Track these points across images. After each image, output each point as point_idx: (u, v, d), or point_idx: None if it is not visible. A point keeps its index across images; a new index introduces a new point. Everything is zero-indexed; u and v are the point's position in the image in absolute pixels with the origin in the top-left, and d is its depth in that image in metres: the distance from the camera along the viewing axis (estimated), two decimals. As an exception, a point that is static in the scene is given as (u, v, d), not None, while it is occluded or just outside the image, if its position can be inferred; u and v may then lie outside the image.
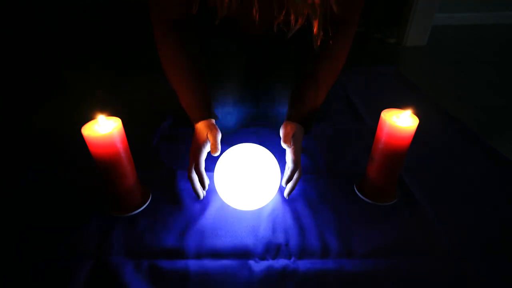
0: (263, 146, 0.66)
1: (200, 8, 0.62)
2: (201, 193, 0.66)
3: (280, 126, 0.68)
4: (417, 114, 0.59)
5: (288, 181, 0.64)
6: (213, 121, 0.68)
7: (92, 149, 0.55)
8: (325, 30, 0.60)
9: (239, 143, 0.67)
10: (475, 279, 0.51)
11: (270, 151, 0.66)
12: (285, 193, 0.66)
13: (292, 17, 0.58)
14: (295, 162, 0.63)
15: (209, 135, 0.63)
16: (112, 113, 0.60)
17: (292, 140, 0.64)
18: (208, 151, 0.64)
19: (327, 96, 0.74)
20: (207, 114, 0.67)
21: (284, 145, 0.64)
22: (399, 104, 0.62)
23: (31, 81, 1.25)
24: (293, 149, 0.63)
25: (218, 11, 0.61)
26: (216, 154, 0.62)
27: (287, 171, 0.64)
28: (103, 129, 0.55)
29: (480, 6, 2.18)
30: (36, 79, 1.24)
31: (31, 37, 1.50)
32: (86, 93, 1.27)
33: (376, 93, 1.14)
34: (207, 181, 0.65)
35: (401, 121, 0.58)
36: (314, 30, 0.59)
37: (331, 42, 0.64)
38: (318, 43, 0.60)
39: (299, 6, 0.56)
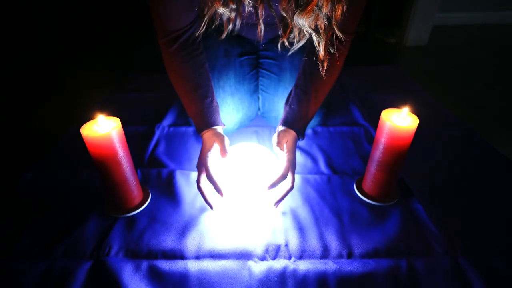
0: (263, 145, 0.66)
1: (206, 26, 0.62)
2: (213, 203, 0.62)
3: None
4: (417, 113, 0.59)
5: (272, 186, 0.58)
6: (220, 128, 0.68)
7: (91, 149, 0.54)
8: (328, 51, 0.60)
9: (239, 142, 0.67)
10: (475, 279, 0.51)
11: (270, 151, 0.66)
12: (273, 202, 0.62)
13: (295, 34, 0.59)
14: (286, 170, 0.60)
15: (216, 141, 0.63)
16: (112, 113, 0.60)
17: (286, 147, 0.63)
18: (216, 158, 0.63)
19: (328, 96, 0.74)
20: (212, 122, 0.67)
21: (276, 149, 0.63)
22: (399, 104, 0.62)
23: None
24: (287, 156, 0.62)
25: (224, 29, 0.62)
26: (225, 157, 0.62)
27: (274, 177, 0.59)
28: (102, 129, 0.55)
29: (480, 6, 2.18)
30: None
31: (31, 37, 1.50)
32: (86, 93, 1.27)
33: (376, 93, 1.14)
34: (222, 188, 0.59)
35: (401, 121, 0.58)
36: (320, 55, 0.59)
37: (338, 62, 0.64)
38: (325, 66, 0.60)
39: (303, 31, 0.57)
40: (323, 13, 0.53)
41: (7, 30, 1.36)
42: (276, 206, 0.62)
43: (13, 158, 0.88)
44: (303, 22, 0.54)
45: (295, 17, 0.53)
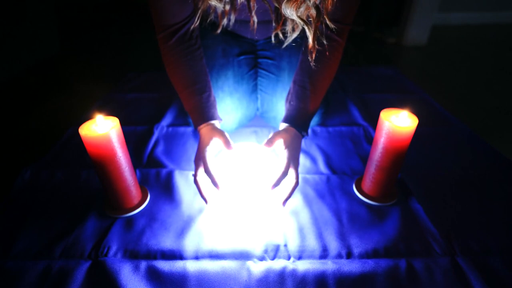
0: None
1: (201, 20, 0.63)
2: (208, 197, 0.62)
3: (279, 126, 0.68)
4: (416, 114, 0.59)
5: (274, 186, 0.58)
6: (217, 123, 0.68)
7: (89, 149, 0.54)
8: (319, 42, 0.60)
9: (238, 142, 0.66)
10: (475, 279, 0.51)
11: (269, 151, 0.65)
12: (281, 201, 0.62)
13: (290, 27, 0.59)
14: (287, 167, 0.59)
15: (217, 136, 0.63)
16: (110, 113, 0.60)
17: (284, 144, 0.62)
18: (214, 153, 0.63)
19: (327, 95, 0.73)
20: (210, 117, 0.67)
21: (263, 147, 0.63)
22: (399, 104, 0.62)
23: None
24: (286, 152, 0.61)
25: (219, 23, 0.62)
26: (232, 149, 0.62)
27: (275, 176, 0.59)
28: (101, 129, 0.55)
29: (480, 6, 2.18)
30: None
31: (31, 37, 1.50)
32: (85, 93, 1.27)
33: (376, 93, 1.13)
34: (219, 182, 0.59)
35: (400, 121, 0.58)
36: (309, 45, 0.58)
37: (327, 53, 0.63)
38: (313, 56, 0.60)
39: (296, 22, 0.56)
40: (311, 2, 0.53)
41: (7, 30, 1.36)
42: (284, 205, 0.62)
43: (12, 157, 0.88)
44: (291, 12, 0.53)
45: (283, 6, 0.53)
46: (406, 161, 0.63)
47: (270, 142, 0.63)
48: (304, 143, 0.85)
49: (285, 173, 0.59)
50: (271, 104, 0.85)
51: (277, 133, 0.64)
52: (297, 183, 0.61)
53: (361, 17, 2.00)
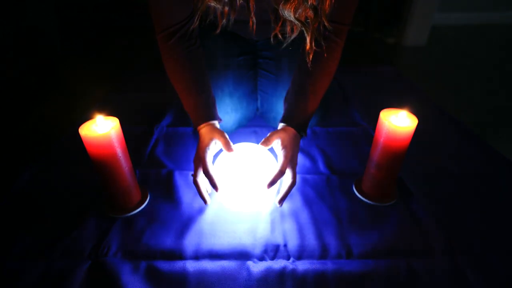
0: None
1: (200, 20, 0.63)
2: (208, 198, 0.63)
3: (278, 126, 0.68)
4: (416, 114, 0.59)
5: (271, 185, 0.58)
6: (217, 123, 0.68)
7: (89, 149, 0.54)
8: (317, 43, 0.60)
9: (238, 142, 0.66)
10: (475, 279, 0.51)
11: (269, 151, 0.65)
12: (277, 200, 0.63)
13: (288, 28, 0.59)
14: (284, 166, 0.60)
15: (217, 137, 0.62)
16: (110, 113, 0.60)
17: (281, 143, 0.62)
18: (214, 153, 0.63)
19: (326, 96, 0.73)
20: (209, 116, 0.67)
21: (260, 146, 0.63)
22: (398, 104, 0.62)
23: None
24: (283, 152, 0.61)
25: (218, 23, 0.62)
26: (232, 151, 0.62)
27: (272, 174, 0.59)
28: (101, 129, 0.55)
29: (480, 6, 2.18)
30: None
31: (31, 37, 1.50)
32: (85, 93, 1.27)
33: (375, 93, 1.13)
34: (218, 182, 0.59)
35: (400, 121, 0.58)
36: (307, 46, 0.58)
37: (325, 55, 0.64)
38: (311, 57, 0.60)
39: (293, 21, 0.57)
40: (309, 3, 0.53)
41: (7, 30, 1.36)
42: (281, 205, 0.62)
43: (12, 158, 0.88)
44: (288, 13, 0.53)
45: (281, 7, 0.53)
46: (406, 161, 0.63)
47: (267, 141, 0.63)
48: (304, 143, 0.85)
49: (282, 172, 0.59)
50: (271, 104, 0.85)
51: (275, 132, 0.64)
52: (294, 183, 0.61)
53: (361, 17, 2.00)
